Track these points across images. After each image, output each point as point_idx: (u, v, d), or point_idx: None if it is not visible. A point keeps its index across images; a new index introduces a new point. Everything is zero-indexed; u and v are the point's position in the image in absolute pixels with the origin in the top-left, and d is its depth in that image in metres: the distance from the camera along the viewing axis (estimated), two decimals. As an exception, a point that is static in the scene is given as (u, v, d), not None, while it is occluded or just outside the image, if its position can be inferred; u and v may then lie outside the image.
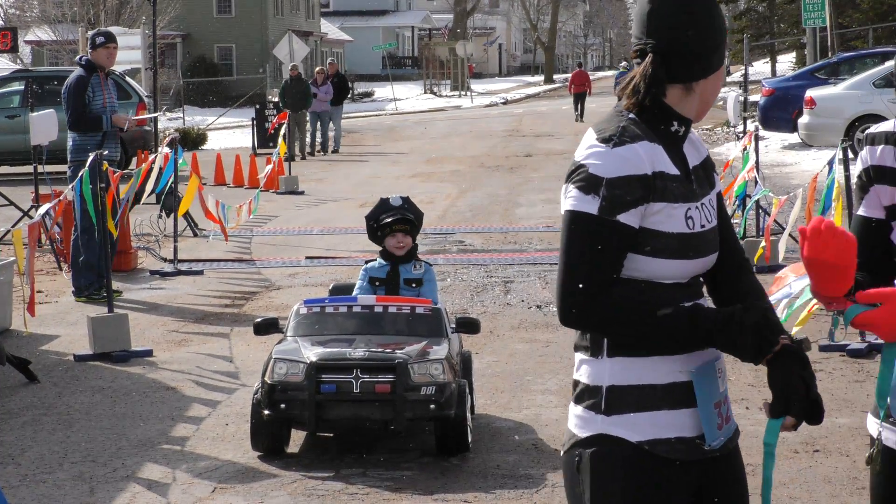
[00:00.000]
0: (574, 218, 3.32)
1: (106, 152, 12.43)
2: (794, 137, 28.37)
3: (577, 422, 3.43)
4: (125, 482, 7.59)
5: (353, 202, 21.19)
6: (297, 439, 8.20)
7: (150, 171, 13.80)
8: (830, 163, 10.95)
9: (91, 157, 11.24)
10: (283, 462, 7.88)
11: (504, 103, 60.86)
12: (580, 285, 3.28)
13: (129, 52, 32.66)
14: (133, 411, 9.09)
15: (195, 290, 13.60)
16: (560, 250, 3.35)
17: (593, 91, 49.23)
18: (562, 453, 3.49)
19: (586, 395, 3.41)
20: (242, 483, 7.52)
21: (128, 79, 26.99)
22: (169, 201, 15.67)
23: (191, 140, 33.63)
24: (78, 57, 13.49)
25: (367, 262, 8.62)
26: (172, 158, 13.99)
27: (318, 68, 33.80)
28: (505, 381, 9.64)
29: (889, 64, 25.67)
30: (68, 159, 13.01)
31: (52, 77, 27.19)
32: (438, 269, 14.55)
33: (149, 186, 13.87)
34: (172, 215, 15.09)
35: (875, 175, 3.69)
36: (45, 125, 15.35)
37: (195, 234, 17.29)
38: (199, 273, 14.55)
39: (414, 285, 8.39)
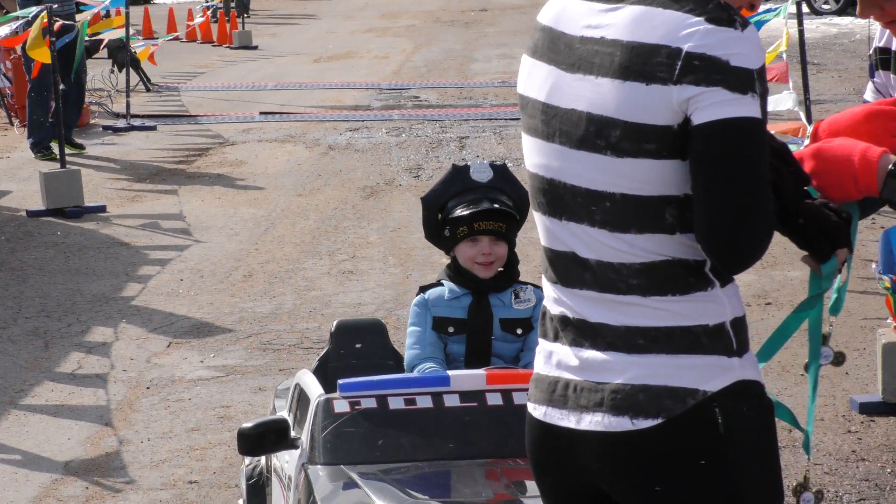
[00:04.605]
0: (740, 127, 2.49)
1: (56, 6, 12.23)
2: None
3: (697, 375, 2.60)
4: (80, 337, 7.60)
5: (308, 57, 21.01)
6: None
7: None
8: (773, 10, 10.32)
9: (36, 9, 11.03)
10: (238, 317, 7.89)
11: (460, -43, 60.19)
12: (769, 215, 2.57)
13: None
14: (87, 267, 9.06)
15: (148, 146, 13.50)
16: (720, 177, 2.50)
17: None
18: (661, 419, 2.58)
19: (705, 338, 2.61)
20: (197, 338, 7.54)
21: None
22: (121, 56, 15.50)
23: (142, -6, 33.05)
24: None
25: (422, 290, 4.61)
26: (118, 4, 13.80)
27: None
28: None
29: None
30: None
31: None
32: (393, 124, 14.45)
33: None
34: (125, 70, 14.95)
35: None
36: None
37: (148, 90, 17.11)
38: (152, 129, 14.42)
39: (520, 331, 4.53)
